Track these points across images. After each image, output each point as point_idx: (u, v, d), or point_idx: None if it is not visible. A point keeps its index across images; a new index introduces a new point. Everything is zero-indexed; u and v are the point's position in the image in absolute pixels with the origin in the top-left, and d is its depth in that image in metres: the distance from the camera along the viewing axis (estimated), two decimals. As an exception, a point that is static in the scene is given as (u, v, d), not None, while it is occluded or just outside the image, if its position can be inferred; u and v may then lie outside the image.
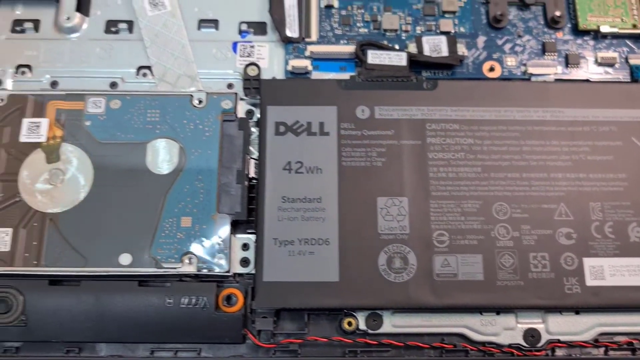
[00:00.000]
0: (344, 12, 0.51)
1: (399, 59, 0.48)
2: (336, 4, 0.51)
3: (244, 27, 0.50)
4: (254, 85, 0.47)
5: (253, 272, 0.43)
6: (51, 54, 0.49)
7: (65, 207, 0.43)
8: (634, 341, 0.43)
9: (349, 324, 0.42)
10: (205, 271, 0.42)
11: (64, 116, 0.46)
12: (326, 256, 0.42)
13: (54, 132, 0.45)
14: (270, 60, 0.49)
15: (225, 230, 0.43)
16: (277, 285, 0.42)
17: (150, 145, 0.45)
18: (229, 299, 0.42)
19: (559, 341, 0.43)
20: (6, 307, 0.41)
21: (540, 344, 0.43)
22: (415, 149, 0.45)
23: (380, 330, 0.42)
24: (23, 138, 0.45)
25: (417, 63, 0.48)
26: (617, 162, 0.46)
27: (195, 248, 0.42)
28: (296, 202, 0.43)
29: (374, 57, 0.48)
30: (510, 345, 0.42)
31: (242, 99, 0.47)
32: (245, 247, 0.44)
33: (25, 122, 0.45)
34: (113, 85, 0.48)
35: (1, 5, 0.50)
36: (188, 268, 0.42)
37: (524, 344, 0.42)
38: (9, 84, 0.48)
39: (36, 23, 0.50)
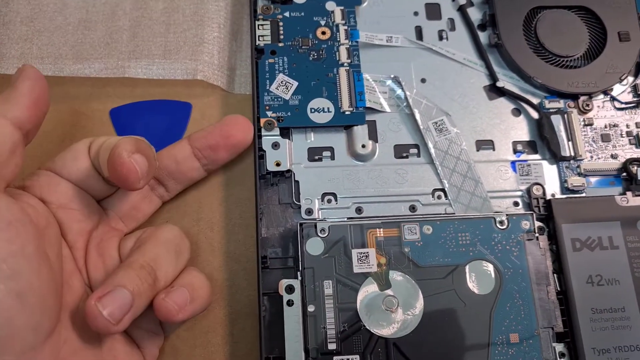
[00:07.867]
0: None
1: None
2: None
3: (519, 147, 0.55)
4: (541, 204, 0.53)
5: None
6: (351, 180, 0.52)
7: (405, 331, 0.47)
8: None
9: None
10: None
11: (384, 244, 0.50)
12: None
13: (379, 261, 0.49)
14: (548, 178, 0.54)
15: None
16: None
17: (469, 267, 0.50)
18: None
19: None
20: None
21: None
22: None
23: None
24: (356, 269, 0.49)
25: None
26: None
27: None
28: (603, 313, 0.50)
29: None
30: None
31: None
32: (562, 355, 0.49)
33: (355, 252, 0.49)
34: (412, 208, 0.52)
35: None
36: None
37: None
38: (318, 212, 0.51)
39: (331, 151, 0.53)
